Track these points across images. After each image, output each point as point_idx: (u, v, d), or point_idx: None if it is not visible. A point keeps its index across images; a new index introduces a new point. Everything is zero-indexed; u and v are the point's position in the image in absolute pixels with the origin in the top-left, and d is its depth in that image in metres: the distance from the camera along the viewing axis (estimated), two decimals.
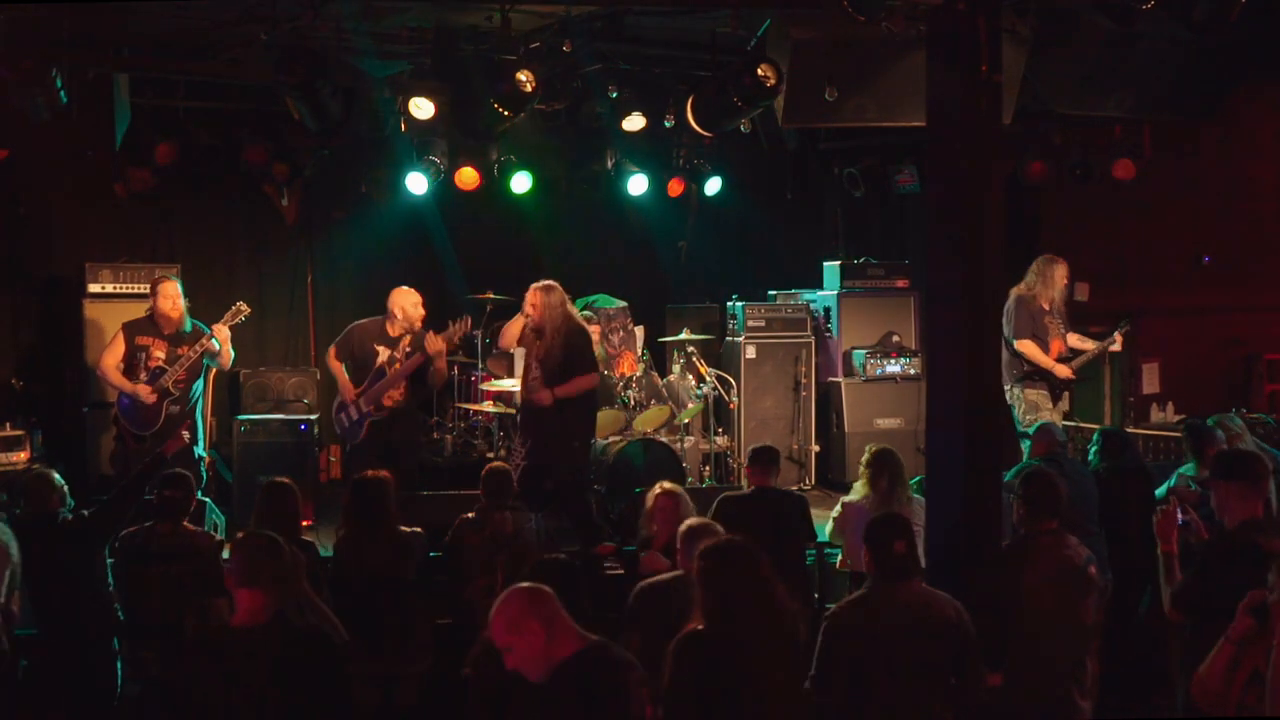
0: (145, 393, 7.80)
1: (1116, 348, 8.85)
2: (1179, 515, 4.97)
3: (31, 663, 5.82)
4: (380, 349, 8.10)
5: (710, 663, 4.08)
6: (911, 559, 4.50)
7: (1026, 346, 8.51)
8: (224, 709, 3.86)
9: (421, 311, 8.15)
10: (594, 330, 9.91)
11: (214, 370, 8.27)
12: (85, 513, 6.06)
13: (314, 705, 3.93)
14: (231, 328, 8.00)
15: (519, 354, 10.69)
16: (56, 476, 6.08)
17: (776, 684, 4.14)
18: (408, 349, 8.03)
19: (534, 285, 7.84)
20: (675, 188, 10.82)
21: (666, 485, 6.00)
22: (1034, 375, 8.57)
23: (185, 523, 5.89)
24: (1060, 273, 8.66)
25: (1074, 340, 8.80)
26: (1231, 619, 3.99)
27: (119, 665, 6.03)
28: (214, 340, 7.84)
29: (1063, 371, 8.57)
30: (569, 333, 7.73)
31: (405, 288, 8.24)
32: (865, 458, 6.41)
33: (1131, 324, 8.98)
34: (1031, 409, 8.48)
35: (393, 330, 8.10)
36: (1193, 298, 11.18)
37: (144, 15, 7.61)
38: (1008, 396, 8.52)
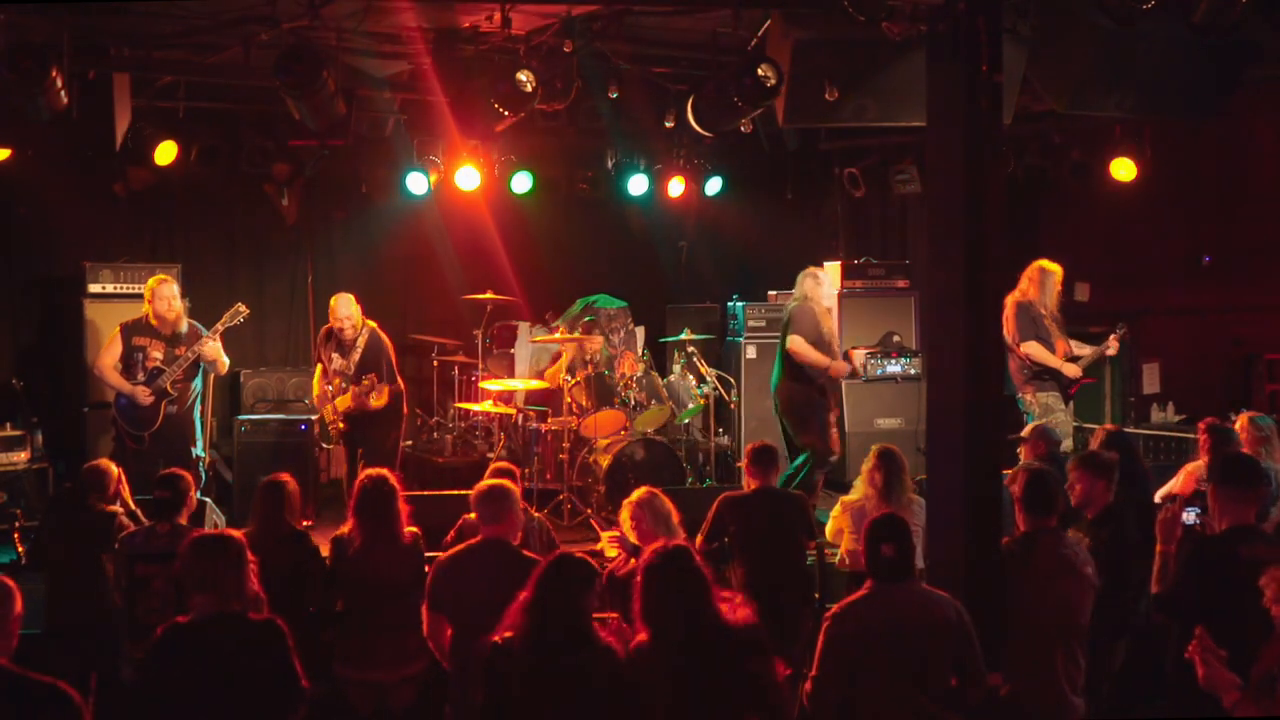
0: (142, 394, 7.82)
1: (1111, 352, 8.85)
2: (1184, 516, 4.97)
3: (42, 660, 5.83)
4: (335, 356, 8.25)
5: (657, 670, 4.09)
6: (904, 560, 4.49)
7: (1032, 348, 8.48)
8: (184, 705, 4.01)
9: (353, 315, 8.26)
10: (598, 338, 9.97)
11: (212, 373, 8.32)
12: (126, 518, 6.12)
13: (267, 694, 4.09)
14: (231, 328, 8.03)
15: (521, 353, 10.73)
16: (113, 471, 6.20)
17: (719, 693, 4.13)
18: (356, 361, 8.19)
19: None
20: (675, 188, 10.83)
21: (633, 497, 5.89)
22: (1042, 375, 8.55)
23: (183, 522, 5.89)
24: (1055, 279, 8.65)
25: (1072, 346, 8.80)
26: (1210, 624, 4.00)
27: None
28: (211, 343, 7.87)
29: (1072, 370, 8.54)
30: None
31: (338, 294, 8.42)
32: (868, 456, 6.40)
33: (1128, 327, 8.97)
34: (1046, 411, 8.44)
35: (341, 338, 8.28)
36: (1193, 298, 11.16)
37: (144, 15, 7.61)
38: (1020, 405, 8.53)
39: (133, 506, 6.31)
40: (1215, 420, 6.93)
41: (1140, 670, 6.06)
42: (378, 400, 8.17)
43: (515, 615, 4.13)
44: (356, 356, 8.15)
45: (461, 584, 5.11)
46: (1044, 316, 8.60)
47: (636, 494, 5.87)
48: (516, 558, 5.17)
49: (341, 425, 8.22)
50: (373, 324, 8.37)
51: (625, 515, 5.82)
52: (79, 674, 5.89)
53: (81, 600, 5.98)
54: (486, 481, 5.42)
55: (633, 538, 5.83)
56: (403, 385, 8.55)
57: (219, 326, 7.96)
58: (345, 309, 8.32)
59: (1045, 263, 8.72)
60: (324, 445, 8.39)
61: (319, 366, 8.48)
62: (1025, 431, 7.09)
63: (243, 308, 8.05)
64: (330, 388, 8.27)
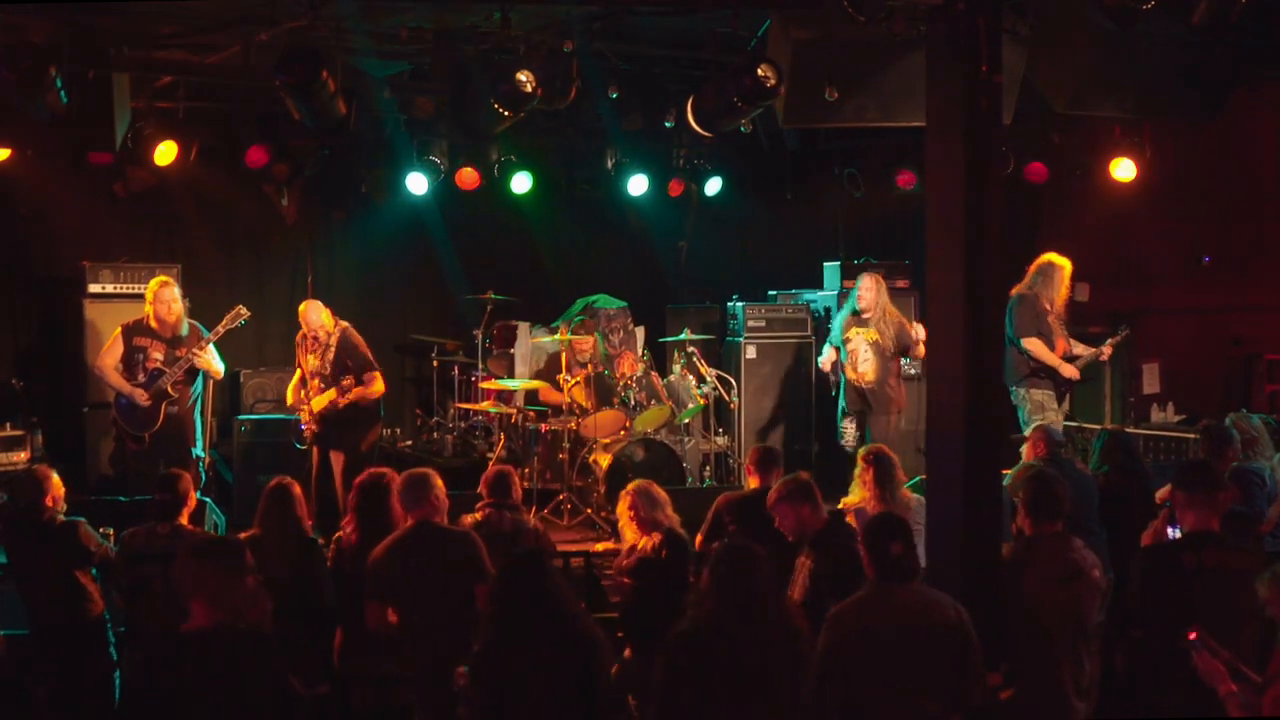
0: (141, 397, 7.82)
1: (1104, 358, 8.82)
2: (1169, 530, 4.99)
3: (21, 664, 5.82)
4: (310, 358, 8.23)
5: (703, 661, 4.13)
6: (909, 560, 4.49)
7: (1033, 344, 8.45)
8: (177, 714, 3.98)
9: (324, 322, 8.22)
10: (589, 337, 9.96)
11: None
12: (105, 542, 6.08)
13: (260, 708, 4.03)
14: (231, 330, 8.02)
15: (522, 353, 10.73)
16: (54, 476, 6.09)
17: (772, 686, 4.15)
18: (331, 360, 8.13)
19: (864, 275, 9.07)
20: (675, 188, 10.83)
21: (629, 487, 5.95)
22: (1039, 374, 8.52)
23: (184, 523, 5.88)
24: (1062, 275, 8.61)
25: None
26: (1162, 632, 4.03)
27: (115, 673, 6.06)
28: (202, 353, 7.86)
29: (1069, 371, 8.51)
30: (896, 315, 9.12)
31: (306, 302, 8.42)
32: (857, 459, 6.40)
33: (1130, 329, 8.96)
34: (1038, 409, 8.43)
35: (315, 339, 8.25)
36: (1193, 298, 11.18)
37: (144, 15, 7.61)
38: (1013, 398, 8.50)
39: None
40: (1211, 422, 6.95)
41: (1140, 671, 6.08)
42: (364, 391, 8.10)
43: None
44: (331, 355, 8.13)
45: (404, 570, 5.23)
46: (1048, 312, 8.56)
47: (632, 485, 5.96)
48: (447, 535, 5.42)
49: (315, 427, 8.18)
50: (344, 324, 8.31)
51: (623, 506, 5.88)
52: (61, 679, 5.92)
53: (56, 611, 5.96)
54: (407, 471, 5.63)
55: (630, 529, 5.88)
56: (381, 385, 8.31)
57: (219, 329, 7.95)
58: (315, 317, 8.22)
59: (1053, 256, 8.66)
60: (297, 446, 8.36)
61: (297, 371, 8.42)
62: (1029, 430, 7.09)
63: (243, 310, 8.04)
64: (306, 390, 8.22)
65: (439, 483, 5.55)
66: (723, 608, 4.22)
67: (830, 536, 5.44)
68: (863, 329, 8.96)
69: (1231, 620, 4.55)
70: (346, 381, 8.05)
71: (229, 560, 4.19)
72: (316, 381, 8.17)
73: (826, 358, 9.14)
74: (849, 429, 9.05)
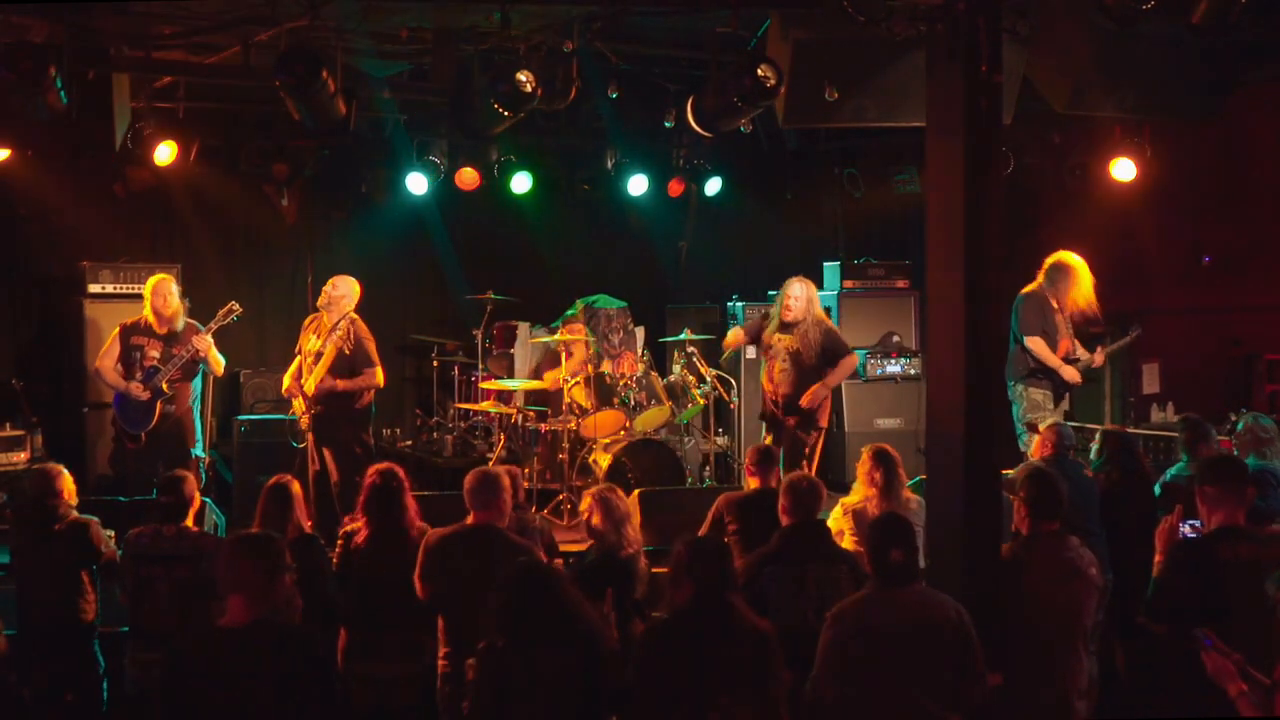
0: (137, 390, 7.82)
1: (1099, 363, 8.78)
2: (1182, 526, 4.97)
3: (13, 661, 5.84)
4: (312, 338, 8.14)
5: (675, 651, 4.19)
6: (910, 563, 4.49)
7: (1035, 343, 8.40)
8: (213, 711, 3.92)
9: (338, 287, 8.13)
10: (578, 329, 9.96)
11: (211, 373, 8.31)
12: (107, 542, 6.08)
13: (302, 705, 3.99)
14: (228, 327, 8.01)
15: (522, 354, 10.72)
16: (65, 473, 6.10)
17: (741, 680, 4.19)
18: (338, 339, 8.00)
19: (794, 280, 8.36)
20: (675, 188, 10.83)
21: (594, 489, 5.97)
22: (1039, 373, 8.49)
23: (190, 524, 5.88)
24: (1074, 275, 8.39)
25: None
26: (1195, 626, 4.01)
27: (102, 671, 6.06)
28: (207, 338, 7.86)
29: (1070, 374, 8.45)
30: (823, 321, 8.39)
31: (341, 276, 8.30)
32: (861, 458, 6.40)
33: (1140, 330, 8.96)
34: (1035, 408, 8.40)
35: (327, 318, 8.12)
36: (1193, 298, 11.16)
37: (144, 15, 7.61)
38: (1010, 394, 8.47)
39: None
40: (1190, 415, 6.95)
41: (1140, 672, 6.08)
42: (362, 381, 8.05)
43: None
44: (336, 340, 8.07)
45: (457, 568, 5.25)
46: (1057, 311, 8.50)
47: (597, 488, 5.99)
48: (508, 544, 5.33)
49: (308, 412, 8.07)
50: (354, 315, 8.22)
51: (583, 505, 5.95)
52: (54, 682, 5.93)
53: (54, 611, 5.97)
54: (478, 469, 5.57)
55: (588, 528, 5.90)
56: (381, 378, 8.22)
57: (211, 326, 7.94)
58: (345, 285, 8.15)
59: (1065, 255, 8.52)
60: (295, 444, 8.32)
61: (296, 359, 8.27)
62: (1043, 425, 7.05)
63: (236, 306, 8.02)
64: (301, 380, 8.11)
65: (508, 484, 5.50)
66: (687, 602, 4.26)
67: (783, 541, 5.41)
68: (785, 335, 8.32)
69: (1265, 613, 4.53)
70: (342, 384, 8.02)
71: (271, 557, 4.17)
72: (311, 362, 8.09)
73: (735, 339, 8.78)
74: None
